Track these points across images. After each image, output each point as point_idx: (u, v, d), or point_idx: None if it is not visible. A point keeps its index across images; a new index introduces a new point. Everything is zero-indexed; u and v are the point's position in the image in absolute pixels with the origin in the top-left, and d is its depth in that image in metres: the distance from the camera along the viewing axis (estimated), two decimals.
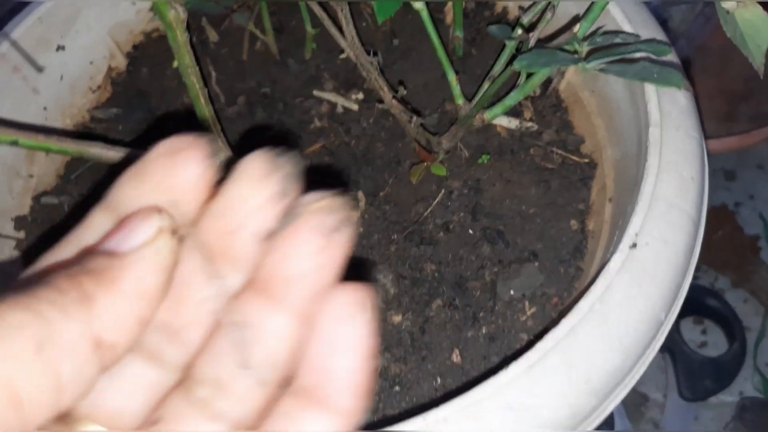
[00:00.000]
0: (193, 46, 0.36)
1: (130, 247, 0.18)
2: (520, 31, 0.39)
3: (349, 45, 0.41)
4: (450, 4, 0.50)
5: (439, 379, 0.38)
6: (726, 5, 0.32)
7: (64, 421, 0.19)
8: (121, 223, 0.18)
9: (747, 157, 0.74)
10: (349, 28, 0.40)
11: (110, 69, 0.49)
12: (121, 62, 0.50)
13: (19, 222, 0.45)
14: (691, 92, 0.37)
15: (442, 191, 0.44)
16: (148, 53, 0.51)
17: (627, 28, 0.39)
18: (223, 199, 0.19)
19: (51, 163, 0.46)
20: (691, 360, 0.62)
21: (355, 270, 0.19)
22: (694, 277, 0.68)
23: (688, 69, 0.40)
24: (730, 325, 0.64)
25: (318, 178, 0.44)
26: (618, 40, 0.36)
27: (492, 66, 0.42)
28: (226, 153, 0.18)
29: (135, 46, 0.51)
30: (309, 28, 0.48)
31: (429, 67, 0.49)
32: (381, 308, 0.40)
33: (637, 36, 0.37)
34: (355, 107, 0.48)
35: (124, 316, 0.17)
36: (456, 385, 0.38)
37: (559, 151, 0.44)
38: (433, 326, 0.39)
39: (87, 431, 0.19)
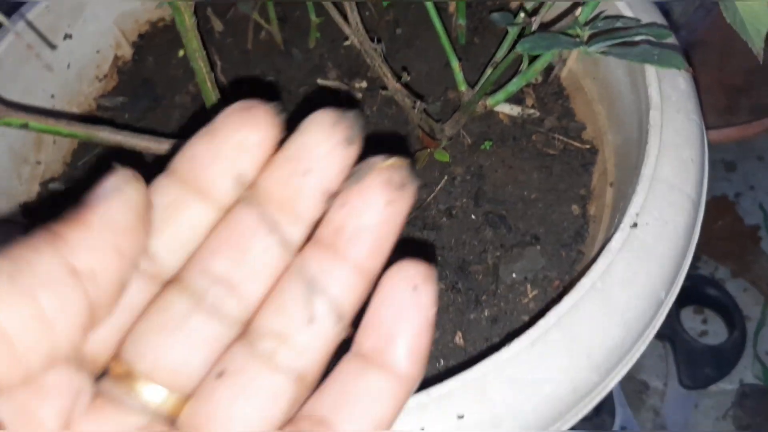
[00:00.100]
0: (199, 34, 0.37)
1: (96, 197, 0.18)
2: (522, 16, 0.39)
3: (353, 32, 0.41)
4: None
5: (442, 361, 0.39)
6: None
7: (123, 381, 0.19)
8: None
9: (747, 149, 0.74)
10: (353, 15, 0.41)
11: (116, 58, 0.50)
12: (127, 51, 0.50)
13: (27, 208, 0.45)
14: (691, 73, 0.38)
15: (445, 177, 0.44)
16: (153, 42, 0.51)
17: (627, 13, 0.40)
18: (288, 148, 0.19)
19: (58, 150, 0.47)
20: (691, 348, 0.62)
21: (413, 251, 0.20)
22: (695, 267, 0.68)
23: (687, 61, 0.40)
24: (731, 314, 0.64)
25: None
26: (619, 24, 0.36)
27: (494, 53, 0.42)
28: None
29: (141, 36, 0.51)
30: (313, 17, 0.48)
31: (432, 56, 0.49)
32: None
33: (638, 20, 0.37)
34: (358, 96, 0.48)
35: (95, 245, 0.17)
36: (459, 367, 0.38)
37: (561, 138, 0.45)
38: (437, 309, 0.40)
39: (145, 390, 0.19)
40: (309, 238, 0.20)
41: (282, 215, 0.19)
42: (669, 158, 0.35)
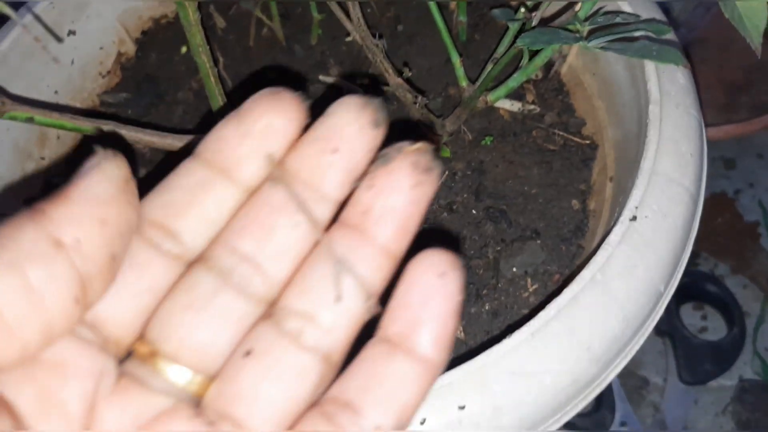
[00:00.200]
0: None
1: (77, 175, 0.18)
2: (523, 12, 0.40)
3: (355, 27, 0.42)
4: None
5: None
6: None
7: (148, 362, 0.19)
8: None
9: (746, 146, 0.75)
10: (355, 11, 0.41)
11: (119, 54, 0.50)
12: (130, 48, 0.51)
13: (30, 203, 0.45)
14: (689, 69, 0.38)
15: (446, 172, 0.44)
16: (156, 39, 0.52)
17: (626, 8, 0.40)
18: (317, 129, 0.20)
19: (61, 146, 0.47)
20: (691, 344, 0.63)
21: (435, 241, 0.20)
22: (695, 264, 0.69)
23: (686, 58, 0.40)
24: (730, 311, 0.64)
25: None
26: (618, 20, 0.36)
27: (494, 50, 0.43)
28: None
29: (144, 32, 0.51)
30: (315, 14, 0.48)
31: (433, 52, 0.50)
32: None
33: (637, 16, 0.37)
34: (360, 92, 0.49)
35: (78, 218, 0.17)
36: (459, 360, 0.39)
37: (561, 133, 0.45)
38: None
39: (170, 371, 0.19)
40: (334, 220, 0.20)
41: (309, 194, 0.19)
42: (668, 152, 0.35)
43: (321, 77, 0.49)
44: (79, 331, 0.18)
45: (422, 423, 0.29)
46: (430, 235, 0.42)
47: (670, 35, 0.37)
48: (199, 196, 0.20)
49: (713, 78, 0.77)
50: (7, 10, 0.27)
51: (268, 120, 0.19)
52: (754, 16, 0.35)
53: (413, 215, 0.19)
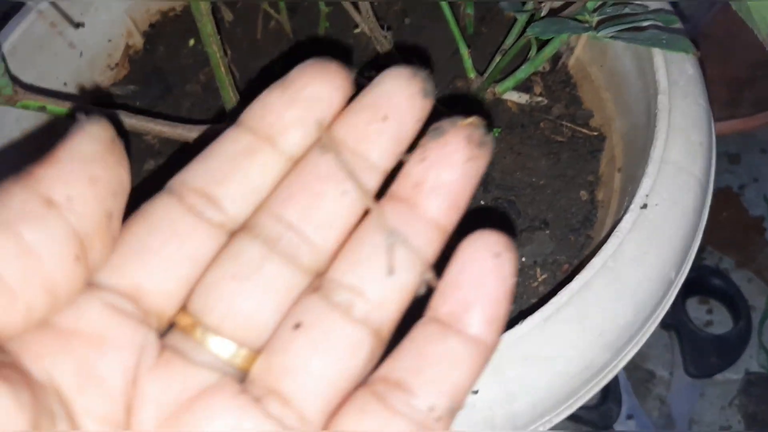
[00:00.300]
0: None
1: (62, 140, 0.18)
2: (531, 3, 0.40)
3: (364, 19, 0.42)
4: None
5: None
6: None
7: (190, 334, 0.18)
8: None
9: (751, 141, 0.75)
10: (364, 3, 0.41)
11: (128, 47, 0.50)
12: (138, 40, 0.51)
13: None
14: (698, 57, 0.38)
15: None
16: (164, 32, 0.52)
17: None
18: (365, 97, 0.19)
19: None
20: (697, 338, 0.63)
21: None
22: (700, 258, 0.69)
23: None
24: (735, 305, 0.65)
25: None
26: (627, 10, 0.37)
27: (502, 42, 0.43)
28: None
29: (152, 25, 0.52)
30: (323, 6, 0.49)
31: (440, 45, 0.50)
32: None
33: (646, 6, 0.37)
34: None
35: (66, 176, 0.17)
36: None
37: (569, 125, 0.45)
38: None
39: (213, 344, 0.18)
40: (380, 194, 0.19)
41: (357, 162, 0.19)
42: (677, 141, 0.35)
43: None
44: (118, 302, 0.18)
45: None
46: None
47: (678, 25, 0.37)
48: (243, 164, 0.19)
49: (717, 73, 0.77)
50: None
51: (315, 88, 0.19)
52: (762, 9, 0.35)
53: (465, 190, 0.19)
